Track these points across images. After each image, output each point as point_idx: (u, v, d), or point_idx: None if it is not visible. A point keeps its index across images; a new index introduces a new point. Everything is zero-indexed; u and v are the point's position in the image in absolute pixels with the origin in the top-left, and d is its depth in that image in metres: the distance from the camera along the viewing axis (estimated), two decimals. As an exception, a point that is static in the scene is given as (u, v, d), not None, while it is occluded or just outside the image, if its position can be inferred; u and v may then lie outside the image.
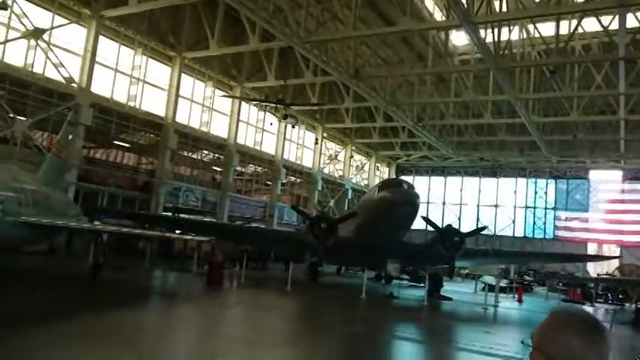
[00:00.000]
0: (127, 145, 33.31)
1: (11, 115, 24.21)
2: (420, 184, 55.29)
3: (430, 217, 25.19)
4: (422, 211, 38.91)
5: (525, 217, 52.36)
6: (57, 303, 11.84)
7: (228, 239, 28.24)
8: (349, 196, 49.84)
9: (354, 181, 52.48)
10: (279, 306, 16.67)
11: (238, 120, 38.08)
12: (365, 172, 55.84)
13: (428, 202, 54.44)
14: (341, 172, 51.99)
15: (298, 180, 47.37)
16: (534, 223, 51.93)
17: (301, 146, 46.21)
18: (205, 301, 16.04)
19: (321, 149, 47.73)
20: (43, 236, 13.85)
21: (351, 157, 52.33)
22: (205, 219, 32.79)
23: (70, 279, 16.64)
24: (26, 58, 24.92)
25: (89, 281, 14.84)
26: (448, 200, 55.97)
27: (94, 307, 11.83)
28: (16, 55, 24.57)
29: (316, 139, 46.28)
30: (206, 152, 37.87)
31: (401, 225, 22.44)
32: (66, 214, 16.45)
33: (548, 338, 1.70)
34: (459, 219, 52.48)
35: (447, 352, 11.66)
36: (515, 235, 51.51)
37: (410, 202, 21.19)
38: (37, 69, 25.29)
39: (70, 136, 19.88)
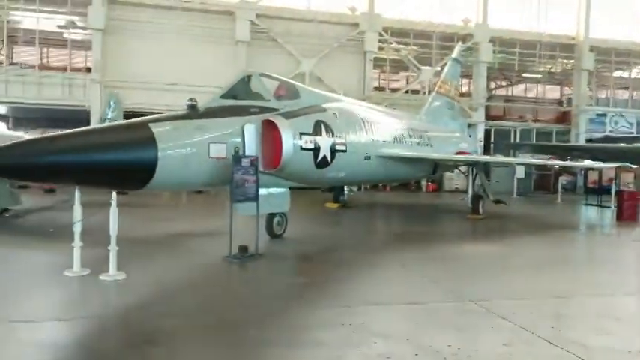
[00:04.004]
0: (537, 76, 31.26)
1: (418, 67, 26.58)
2: None
3: None
4: None
5: None
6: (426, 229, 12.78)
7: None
8: None
9: None
10: None
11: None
12: None
13: None
14: None
15: None
16: None
17: None
18: (597, 240, 13.09)
19: None
20: (417, 170, 14.35)
21: None
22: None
23: (454, 211, 16.99)
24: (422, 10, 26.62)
25: (467, 213, 14.92)
26: None
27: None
28: (417, 11, 26.62)
29: None
30: (638, 68, 31.58)
31: None
32: (451, 151, 16.57)
33: None
34: None
35: None
36: None
37: None
38: (434, 18, 26.71)
39: (454, 73, 19.89)
